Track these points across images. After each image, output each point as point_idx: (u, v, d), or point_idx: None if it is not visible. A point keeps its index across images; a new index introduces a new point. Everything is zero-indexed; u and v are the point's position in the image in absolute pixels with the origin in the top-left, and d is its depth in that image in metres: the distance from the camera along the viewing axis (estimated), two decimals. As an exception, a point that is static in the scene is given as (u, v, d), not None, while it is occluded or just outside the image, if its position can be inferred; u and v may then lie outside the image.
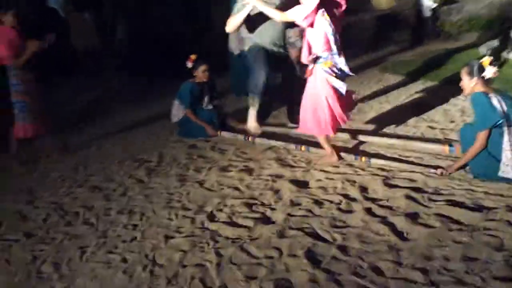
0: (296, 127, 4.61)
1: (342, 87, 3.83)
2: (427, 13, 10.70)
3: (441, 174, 3.45)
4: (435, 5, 10.78)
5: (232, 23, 4.38)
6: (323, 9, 3.65)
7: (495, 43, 8.29)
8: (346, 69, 3.84)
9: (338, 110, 3.87)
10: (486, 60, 3.30)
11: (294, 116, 4.98)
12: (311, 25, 3.69)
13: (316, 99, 3.86)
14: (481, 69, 3.27)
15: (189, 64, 5.24)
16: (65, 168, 4.89)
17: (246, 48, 4.60)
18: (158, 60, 9.97)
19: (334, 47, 3.75)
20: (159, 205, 3.60)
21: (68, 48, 10.61)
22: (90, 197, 3.96)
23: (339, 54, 3.80)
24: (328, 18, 3.68)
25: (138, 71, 10.22)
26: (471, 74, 3.31)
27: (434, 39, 10.48)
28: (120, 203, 3.74)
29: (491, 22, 10.35)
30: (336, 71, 3.82)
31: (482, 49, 8.08)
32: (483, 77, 3.28)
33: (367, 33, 10.74)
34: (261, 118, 4.88)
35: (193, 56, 5.24)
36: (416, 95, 5.98)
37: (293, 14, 3.77)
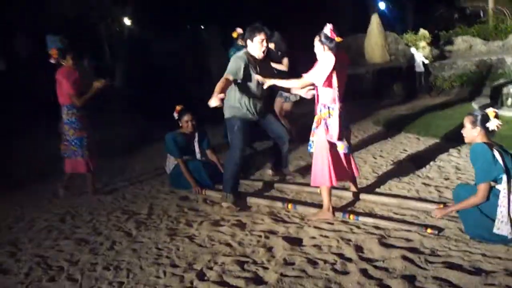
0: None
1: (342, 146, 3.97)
2: (420, 68, 10.93)
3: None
4: (427, 60, 11.03)
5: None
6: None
7: (486, 99, 8.43)
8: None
9: (339, 164, 3.96)
10: (492, 111, 3.27)
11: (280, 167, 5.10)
12: (330, 85, 3.78)
13: (321, 150, 3.90)
14: (486, 119, 3.24)
15: (175, 115, 5.29)
16: (53, 218, 4.76)
17: (227, 114, 4.51)
18: (157, 103, 10.03)
19: (340, 102, 3.87)
20: (147, 261, 3.46)
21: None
22: (75, 251, 3.81)
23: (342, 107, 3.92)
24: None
25: (137, 114, 10.28)
26: (474, 123, 3.26)
27: (426, 94, 10.65)
28: (106, 258, 3.60)
29: (482, 79, 10.59)
30: (340, 122, 3.90)
31: (474, 105, 8.19)
32: (486, 128, 3.24)
33: (360, 86, 10.89)
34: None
35: (178, 107, 5.30)
36: (410, 150, 5.99)
37: (312, 78, 3.84)
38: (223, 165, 4.83)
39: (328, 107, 3.86)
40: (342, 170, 4.03)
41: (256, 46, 4.35)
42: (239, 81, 4.30)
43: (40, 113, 9.62)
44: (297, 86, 4.12)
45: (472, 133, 3.29)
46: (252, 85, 4.37)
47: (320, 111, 3.91)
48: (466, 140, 3.40)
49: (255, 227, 3.92)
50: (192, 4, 15.16)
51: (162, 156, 5.56)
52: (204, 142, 5.40)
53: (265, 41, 4.35)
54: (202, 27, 16.39)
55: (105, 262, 3.53)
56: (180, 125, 5.32)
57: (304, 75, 3.93)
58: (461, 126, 3.40)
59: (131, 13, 15.72)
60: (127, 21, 16.36)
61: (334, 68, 3.71)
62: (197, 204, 4.68)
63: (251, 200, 4.59)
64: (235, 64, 4.29)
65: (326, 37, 3.76)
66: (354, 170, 4.21)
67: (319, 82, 3.79)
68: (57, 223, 4.59)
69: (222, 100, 3.89)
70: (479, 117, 3.26)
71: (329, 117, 3.87)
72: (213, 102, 3.87)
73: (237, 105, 4.43)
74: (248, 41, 4.39)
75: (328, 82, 3.77)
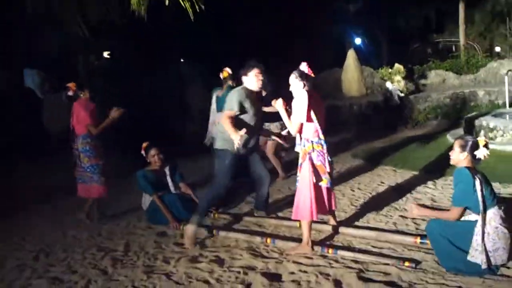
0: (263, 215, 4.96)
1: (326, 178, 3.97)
2: (396, 101, 11.18)
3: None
4: (402, 94, 11.31)
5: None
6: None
7: (460, 131, 8.62)
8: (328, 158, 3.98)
9: (321, 198, 3.97)
10: (483, 140, 3.36)
11: (262, 203, 5.00)
12: (309, 119, 3.85)
13: (305, 184, 3.91)
14: (475, 147, 3.32)
15: (142, 152, 5.33)
16: (26, 256, 4.62)
17: (220, 145, 4.54)
18: (134, 136, 9.96)
19: (321, 136, 3.92)
20: (122, 300, 3.39)
21: (40, 129, 10.54)
22: (49, 290, 3.71)
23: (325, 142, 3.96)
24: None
25: (114, 147, 10.16)
26: (464, 148, 3.34)
27: (403, 126, 10.86)
28: (81, 298, 3.51)
29: (456, 111, 10.89)
30: (324, 156, 3.94)
31: (449, 137, 8.37)
32: (474, 155, 3.32)
33: (338, 120, 11.04)
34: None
35: (144, 144, 5.34)
36: (387, 182, 6.05)
37: (299, 118, 3.88)
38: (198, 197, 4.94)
39: (312, 141, 3.91)
40: (323, 205, 4.05)
41: (253, 79, 4.45)
42: (237, 113, 4.37)
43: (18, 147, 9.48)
44: (292, 131, 4.05)
45: (459, 157, 3.37)
46: (249, 120, 4.43)
47: (304, 145, 3.95)
48: (451, 162, 3.48)
49: (234, 262, 3.88)
50: (172, 39, 15.31)
51: (139, 191, 5.50)
52: (176, 176, 5.38)
53: (260, 74, 4.46)
54: (182, 60, 16.52)
55: (79, 302, 3.44)
56: (149, 161, 5.31)
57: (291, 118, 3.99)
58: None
59: (110, 47, 15.77)
60: (106, 55, 16.41)
61: (310, 103, 3.78)
62: (175, 240, 4.61)
63: (229, 235, 4.56)
64: (234, 98, 4.39)
65: (303, 74, 3.85)
66: (333, 204, 4.23)
67: (304, 119, 3.86)
68: (30, 261, 4.45)
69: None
70: (469, 143, 3.34)
71: (313, 151, 3.92)
72: (237, 139, 4.02)
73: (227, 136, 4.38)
74: (244, 77, 4.50)
75: (308, 117, 3.84)
